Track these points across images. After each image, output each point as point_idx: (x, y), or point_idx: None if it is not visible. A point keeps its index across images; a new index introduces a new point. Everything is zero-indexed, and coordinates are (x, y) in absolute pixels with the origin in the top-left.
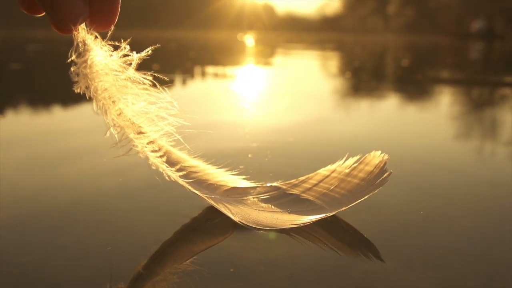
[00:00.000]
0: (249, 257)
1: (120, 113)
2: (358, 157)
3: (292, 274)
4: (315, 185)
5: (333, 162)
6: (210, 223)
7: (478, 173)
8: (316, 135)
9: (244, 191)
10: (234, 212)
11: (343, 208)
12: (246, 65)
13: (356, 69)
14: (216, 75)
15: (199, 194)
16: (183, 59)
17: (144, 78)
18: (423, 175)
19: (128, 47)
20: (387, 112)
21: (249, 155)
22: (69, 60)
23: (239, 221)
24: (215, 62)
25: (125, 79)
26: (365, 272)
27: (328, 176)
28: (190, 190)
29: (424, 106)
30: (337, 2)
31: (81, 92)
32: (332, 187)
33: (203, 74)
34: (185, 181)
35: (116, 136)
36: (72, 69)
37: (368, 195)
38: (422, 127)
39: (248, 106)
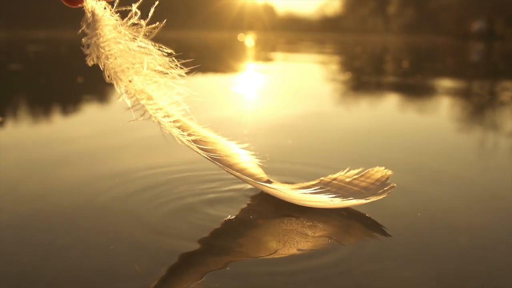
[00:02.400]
0: (249, 258)
1: (131, 80)
2: (360, 170)
3: (292, 274)
4: (317, 188)
5: (333, 163)
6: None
7: (478, 174)
8: (316, 136)
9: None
10: (242, 175)
11: (345, 203)
12: (246, 66)
13: (356, 70)
14: (216, 75)
15: (209, 158)
16: (183, 59)
17: (153, 46)
18: (423, 175)
19: (138, 12)
20: (387, 112)
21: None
22: (79, 32)
23: (253, 182)
24: (215, 62)
25: (135, 46)
26: (366, 271)
27: (329, 183)
28: (200, 154)
29: (423, 107)
30: (337, 2)
31: (93, 63)
32: (334, 189)
33: (203, 74)
34: (197, 146)
35: (128, 102)
36: (83, 40)
37: (370, 200)
38: (421, 127)
39: (247, 106)
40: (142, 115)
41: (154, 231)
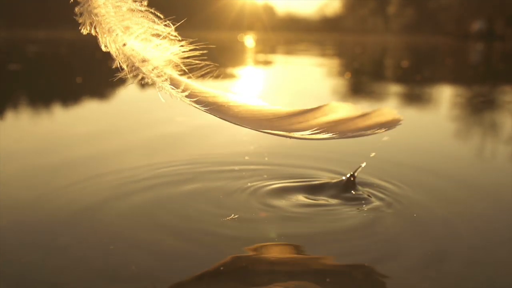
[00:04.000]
0: (249, 258)
1: (124, 44)
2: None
3: (292, 274)
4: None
5: (333, 164)
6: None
7: (477, 175)
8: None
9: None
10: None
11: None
12: (246, 66)
13: (355, 70)
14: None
15: (204, 110)
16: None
17: (145, 8)
18: (422, 175)
19: None
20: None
21: (246, 157)
22: (71, 1)
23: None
24: (216, 62)
25: (127, 10)
26: (366, 273)
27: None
28: (196, 107)
29: (422, 107)
30: (337, 2)
31: (87, 31)
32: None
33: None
34: (191, 100)
35: (122, 65)
36: (76, 9)
37: (374, 133)
38: (420, 127)
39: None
40: (136, 78)
41: (154, 231)
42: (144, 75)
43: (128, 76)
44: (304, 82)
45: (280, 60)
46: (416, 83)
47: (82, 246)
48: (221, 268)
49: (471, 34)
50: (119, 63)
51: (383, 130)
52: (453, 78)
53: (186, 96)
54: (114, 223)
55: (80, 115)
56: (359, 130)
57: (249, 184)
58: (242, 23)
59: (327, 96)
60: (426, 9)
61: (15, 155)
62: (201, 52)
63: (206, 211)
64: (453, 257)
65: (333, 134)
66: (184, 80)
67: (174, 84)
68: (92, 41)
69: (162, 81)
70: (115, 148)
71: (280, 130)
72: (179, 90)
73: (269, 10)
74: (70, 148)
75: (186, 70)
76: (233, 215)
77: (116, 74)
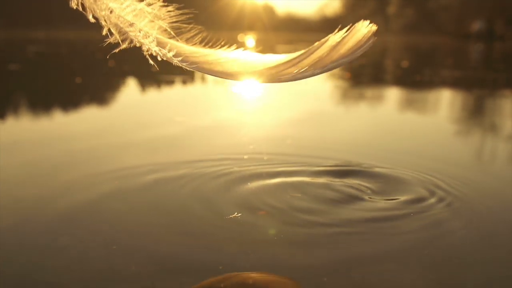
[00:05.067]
0: (250, 263)
1: (111, 11)
2: (346, 29)
3: (291, 275)
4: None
5: (332, 164)
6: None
7: (476, 174)
8: (315, 136)
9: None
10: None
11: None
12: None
13: (355, 70)
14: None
15: (193, 67)
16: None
17: None
18: (422, 176)
19: None
20: (386, 112)
21: (245, 157)
22: None
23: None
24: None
25: None
26: (364, 273)
27: (319, 47)
28: (184, 66)
29: (422, 107)
30: (337, 2)
31: (77, 5)
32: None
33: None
34: (178, 59)
35: (112, 30)
36: None
37: (349, 60)
38: (419, 127)
39: (247, 107)
40: (126, 41)
41: (154, 231)
42: (132, 38)
43: (118, 40)
44: (303, 82)
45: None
46: (415, 82)
47: (81, 247)
48: (220, 267)
49: (471, 34)
50: (108, 31)
51: (361, 49)
52: (453, 77)
53: (174, 56)
54: (114, 223)
55: (80, 114)
56: (341, 57)
57: (249, 184)
58: (243, 23)
59: (326, 96)
60: (426, 9)
61: (15, 155)
62: (188, 16)
63: (206, 211)
64: (451, 257)
65: (316, 70)
66: (172, 41)
67: (162, 45)
68: (92, 41)
69: (150, 42)
70: (115, 147)
71: (271, 78)
72: (167, 50)
73: (269, 10)
74: (69, 147)
75: (174, 34)
76: (236, 213)
77: (106, 40)
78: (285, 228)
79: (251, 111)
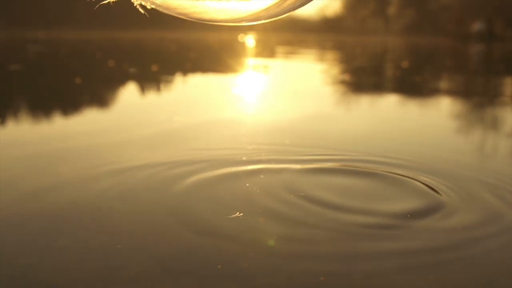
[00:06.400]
0: (250, 263)
1: None
2: None
3: (291, 276)
4: None
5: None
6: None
7: (476, 173)
8: (315, 136)
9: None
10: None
11: None
12: (246, 66)
13: (355, 70)
14: (216, 76)
15: (181, 14)
16: (184, 59)
17: None
18: (421, 176)
19: None
20: (385, 112)
21: (243, 158)
22: None
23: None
24: (216, 63)
25: None
26: (365, 274)
27: None
28: (174, 13)
29: (422, 107)
30: (337, 3)
31: None
32: None
33: (203, 74)
34: (166, 5)
35: None
36: None
37: None
38: (419, 127)
39: (247, 107)
40: None
41: (154, 232)
42: None
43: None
44: (303, 82)
45: (280, 59)
46: (415, 83)
47: (81, 247)
48: (219, 267)
49: (471, 35)
50: None
51: None
52: (453, 77)
53: (163, 6)
54: (114, 223)
55: (79, 114)
56: None
57: (247, 184)
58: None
59: (326, 97)
60: (426, 10)
61: (15, 154)
62: None
63: (207, 210)
64: (452, 259)
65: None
66: None
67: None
68: (92, 42)
69: None
70: (114, 147)
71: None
72: (158, 1)
73: None
74: (69, 147)
75: None
76: (238, 213)
77: None
78: (286, 228)
79: (251, 111)
